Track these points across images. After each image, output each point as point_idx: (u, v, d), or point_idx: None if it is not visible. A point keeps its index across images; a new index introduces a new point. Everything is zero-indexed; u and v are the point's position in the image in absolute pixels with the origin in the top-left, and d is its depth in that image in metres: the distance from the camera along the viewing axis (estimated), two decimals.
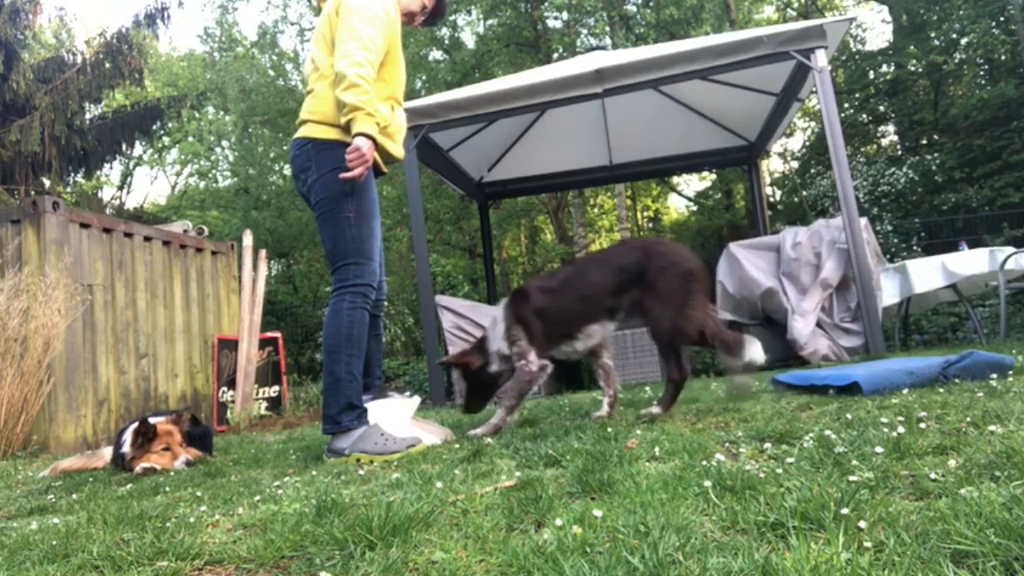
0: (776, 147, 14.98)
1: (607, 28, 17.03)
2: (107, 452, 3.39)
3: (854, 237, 5.10)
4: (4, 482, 3.22)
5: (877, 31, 29.97)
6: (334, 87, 2.63)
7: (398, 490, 1.83)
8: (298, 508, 1.70)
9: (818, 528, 1.13)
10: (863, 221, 5.30)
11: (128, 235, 6.03)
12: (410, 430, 2.77)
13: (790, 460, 1.60)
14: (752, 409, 2.63)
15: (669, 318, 2.63)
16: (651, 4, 16.05)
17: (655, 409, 2.71)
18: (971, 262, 5.38)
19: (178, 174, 25.36)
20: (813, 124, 17.90)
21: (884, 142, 17.90)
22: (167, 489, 2.33)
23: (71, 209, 5.69)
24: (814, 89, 5.45)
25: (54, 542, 1.59)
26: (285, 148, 17.36)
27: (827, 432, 1.84)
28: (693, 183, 21.41)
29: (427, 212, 15.24)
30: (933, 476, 1.34)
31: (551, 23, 17.14)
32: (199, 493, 2.14)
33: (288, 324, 14.36)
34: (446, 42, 17.75)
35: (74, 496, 2.44)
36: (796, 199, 15.50)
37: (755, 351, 2.64)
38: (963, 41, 14.25)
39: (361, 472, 2.21)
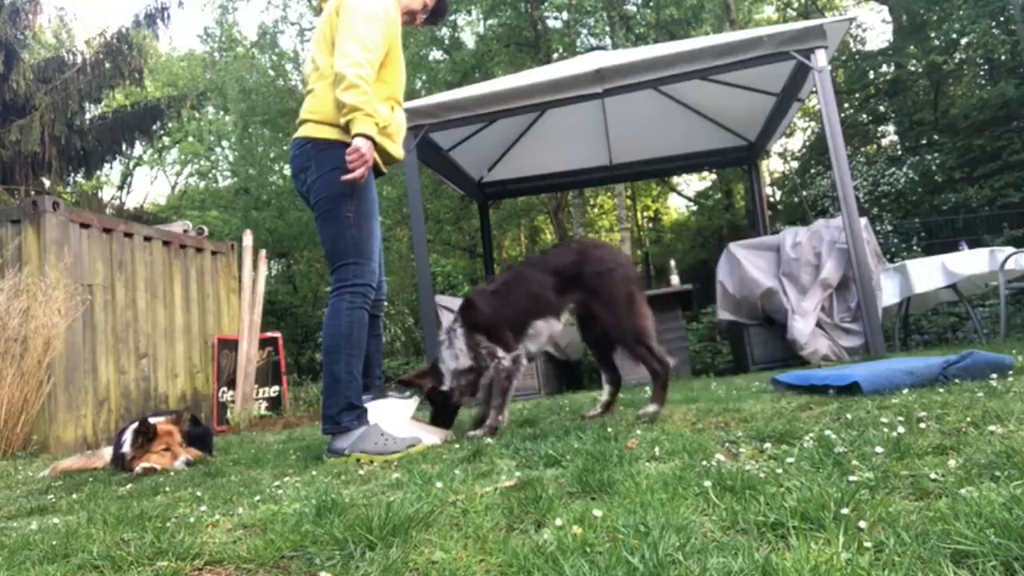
0: (776, 147, 14.98)
1: (607, 28, 17.03)
2: (107, 452, 3.38)
3: (854, 237, 5.10)
4: (4, 482, 3.22)
5: (877, 31, 30.00)
6: (334, 87, 2.63)
7: (398, 490, 1.82)
8: (298, 508, 1.70)
9: (818, 528, 1.13)
10: (863, 221, 5.30)
11: (128, 235, 6.03)
12: (410, 430, 2.77)
13: (790, 460, 1.60)
14: (752, 409, 2.63)
15: (631, 321, 2.79)
16: (651, 4, 16.06)
17: (652, 408, 2.72)
18: (971, 262, 5.38)
19: (178, 174, 25.40)
20: (813, 124, 17.91)
21: (884, 142, 17.92)
22: (167, 489, 2.32)
23: (71, 209, 5.69)
24: (814, 89, 5.45)
25: (54, 542, 1.59)
26: (285, 148, 17.35)
27: (827, 432, 1.84)
28: (693, 183, 21.45)
29: (427, 212, 15.24)
30: (933, 476, 1.34)
31: (551, 23, 17.16)
32: (199, 493, 2.14)
33: (288, 324, 14.38)
34: (446, 42, 17.76)
35: (74, 496, 2.44)
36: (796, 199, 15.52)
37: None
38: (963, 41, 14.26)
39: (361, 472, 2.21)
